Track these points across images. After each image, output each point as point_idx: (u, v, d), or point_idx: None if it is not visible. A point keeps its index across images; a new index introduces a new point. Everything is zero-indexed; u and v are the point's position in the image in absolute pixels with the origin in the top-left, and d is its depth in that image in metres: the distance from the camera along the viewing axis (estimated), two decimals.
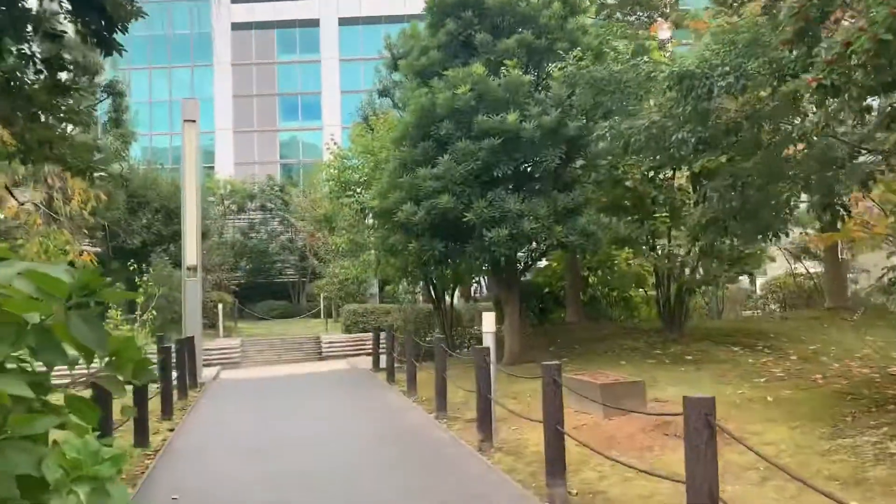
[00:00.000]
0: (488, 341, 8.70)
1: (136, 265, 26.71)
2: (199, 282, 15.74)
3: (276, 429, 9.54)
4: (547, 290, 17.53)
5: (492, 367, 8.32)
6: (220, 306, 27.68)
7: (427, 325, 17.49)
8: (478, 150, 12.06)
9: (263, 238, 38.80)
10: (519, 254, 12.90)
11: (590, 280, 17.41)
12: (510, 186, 12.67)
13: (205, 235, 31.37)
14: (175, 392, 11.91)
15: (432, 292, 17.07)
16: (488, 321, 8.94)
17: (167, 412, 10.48)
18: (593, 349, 14.09)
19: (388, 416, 10.40)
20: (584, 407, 9.13)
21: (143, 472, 7.40)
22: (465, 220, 12.08)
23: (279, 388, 13.84)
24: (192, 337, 13.86)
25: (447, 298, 17.37)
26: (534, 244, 12.26)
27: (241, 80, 53.22)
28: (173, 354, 12.31)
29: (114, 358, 1.41)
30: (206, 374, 15.79)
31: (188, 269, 15.51)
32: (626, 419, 8.25)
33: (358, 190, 16.58)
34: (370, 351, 26.44)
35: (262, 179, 40.04)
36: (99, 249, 27.75)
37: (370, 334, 26.67)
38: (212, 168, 46.90)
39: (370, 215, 16.44)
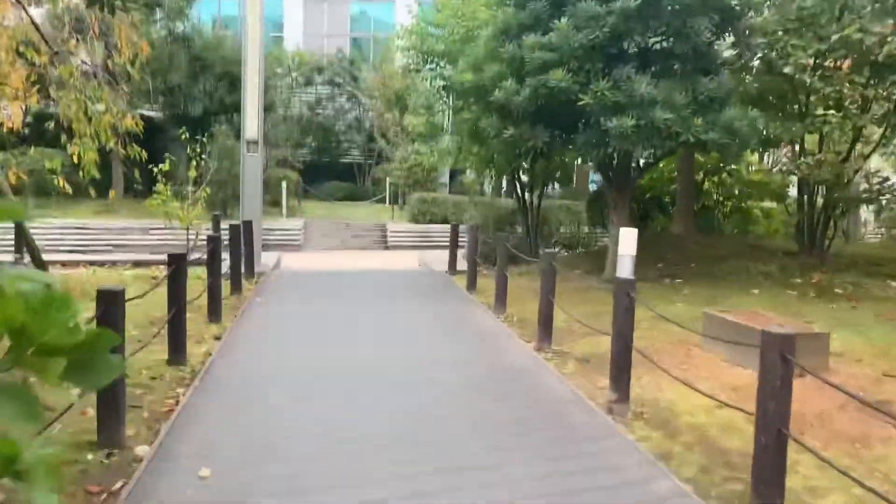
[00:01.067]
0: (627, 269, 6.48)
1: (195, 135, 25.12)
2: (261, 158, 13.76)
3: (339, 352, 7.54)
4: (649, 194, 15.06)
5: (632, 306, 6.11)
6: (284, 184, 25.93)
7: (508, 223, 15.27)
8: (606, 14, 9.45)
9: (330, 115, 36.56)
10: (638, 150, 10.41)
11: (703, 186, 14.82)
12: (639, 65, 10.08)
13: (270, 108, 29.30)
14: (228, 285, 10.17)
15: (517, 188, 14.78)
16: (628, 240, 6.69)
17: (215, 313, 8.69)
18: (713, 271, 11.76)
19: (477, 347, 8.17)
20: (738, 357, 6.95)
21: (168, 413, 5.55)
22: (580, 103, 9.61)
23: (344, 287, 11.93)
24: (251, 222, 11.99)
25: (532, 196, 15.07)
26: (663, 139, 9.73)
27: None
28: (226, 240, 10.49)
29: None
30: (265, 260, 14.05)
31: (248, 143, 13.50)
32: (805, 384, 6.05)
33: (441, 63, 14.06)
34: (438, 244, 24.61)
35: (331, 52, 37.37)
36: (159, 114, 26.06)
37: (438, 226, 24.77)
38: (280, 38, 44.38)
39: (454, 93, 13.98)
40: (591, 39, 9.55)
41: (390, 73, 29.50)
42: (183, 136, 11.76)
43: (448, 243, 24.55)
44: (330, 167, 36.80)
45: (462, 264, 13.81)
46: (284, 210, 25.75)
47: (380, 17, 51.13)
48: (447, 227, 24.78)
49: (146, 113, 25.40)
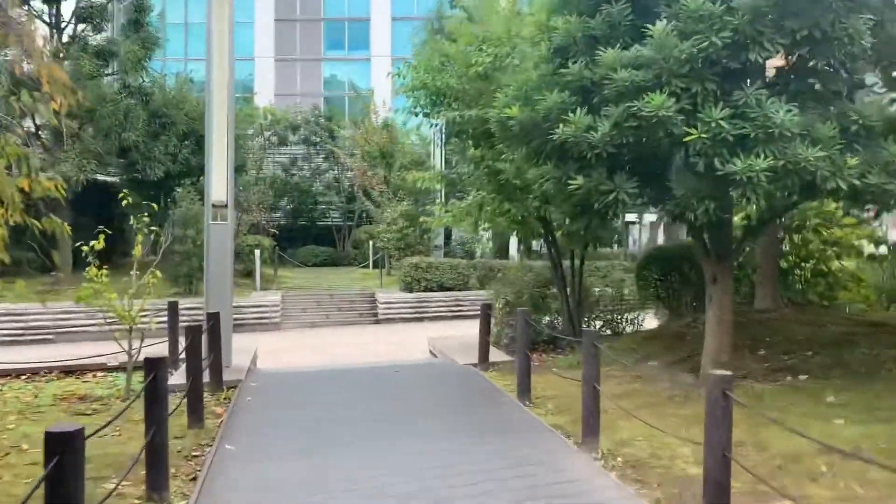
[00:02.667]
0: None
1: (157, 201, 21.84)
2: (231, 226, 10.53)
3: None
4: None
5: None
6: (257, 252, 22.63)
7: (545, 298, 12.10)
8: (724, 13, 6.55)
9: (306, 176, 33.58)
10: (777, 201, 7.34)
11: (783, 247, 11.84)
12: (766, 84, 7.15)
13: (240, 169, 26.21)
14: (185, 410, 6.83)
15: (552, 252, 11.70)
16: None
17: (157, 483, 5.24)
18: (841, 360, 8.69)
19: None
20: None
21: None
22: (688, 139, 6.62)
23: (348, 408, 8.39)
24: (217, 315, 8.66)
25: (573, 262, 11.94)
26: (803, 186, 6.72)
27: (283, 2, 47.30)
28: (182, 348, 7.18)
29: None
30: (237, 354, 10.62)
31: (214, 207, 10.30)
32: None
33: (453, 105, 11.04)
34: (437, 315, 21.36)
35: (306, 109, 34.58)
36: (114, 179, 22.75)
37: (435, 295, 21.58)
38: (251, 98, 41.65)
39: (473, 139, 11.00)
40: (701, 50, 6.63)
41: (372, 129, 26.65)
42: (125, 202, 8.46)
43: (448, 315, 21.61)
44: (307, 231, 33.69)
45: (494, 354, 10.58)
46: (258, 281, 22.39)
47: (354, 77, 48.83)
48: (446, 296, 21.88)
49: (101, 177, 22.15)
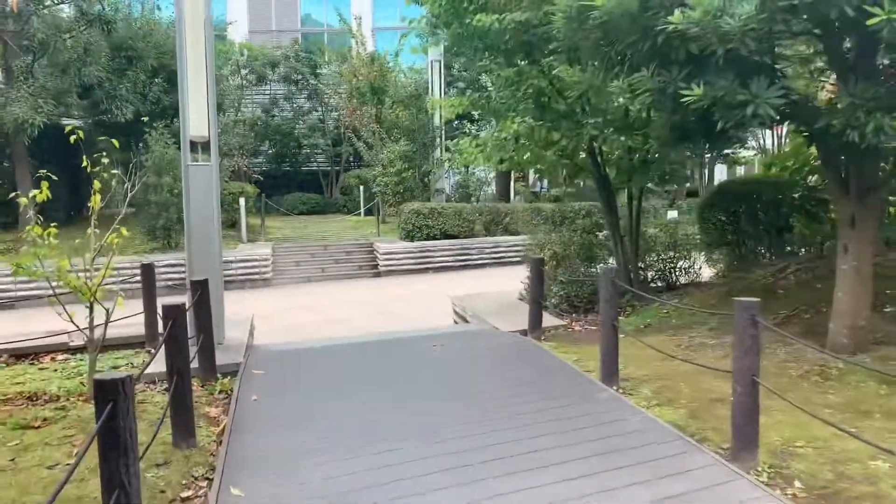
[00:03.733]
0: None
1: (128, 146, 19.44)
2: (215, 168, 8.33)
3: None
4: (781, 195, 10.02)
5: None
6: (241, 200, 20.37)
7: (599, 249, 10.05)
8: None
9: (288, 117, 30.98)
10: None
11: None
12: None
13: (218, 108, 23.71)
14: (169, 412, 4.80)
15: (605, 192, 9.64)
16: None
17: None
18: None
19: None
20: None
21: None
22: (872, 21, 4.56)
23: (381, 395, 6.31)
24: (205, 284, 6.55)
25: (631, 205, 9.87)
26: None
27: None
28: (162, 330, 5.06)
29: None
30: (229, 331, 8.54)
31: (194, 144, 8.11)
32: None
33: (476, 14, 8.77)
34: (442, 266, 19.33)
35: (285, 44, 31.76)
36: (77, 122, 20.14)
37: (439, 244, 19.54)
38: (223, 36, 38.52)
39: (501, 58, 8.82)
40: None
41: (361, 62, 24.10)
42: (74, 138, 6.24)
43: (455, 265, 19.37)
44: (291, 177, 31.28)
45: (546, 319, 8.58)
46: (244, 232, 20.19)
47: (334, 10, 45.62)
48: (451, 244, 19.72)
49: (64, 121, 19.60)
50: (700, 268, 11.05)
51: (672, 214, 23.23)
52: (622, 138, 8.40)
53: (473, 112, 11.51)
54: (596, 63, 6.69)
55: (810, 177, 10.62)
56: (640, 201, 9.61)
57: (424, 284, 16.87)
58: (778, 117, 5.42)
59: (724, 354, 6.93)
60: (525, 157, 9.11)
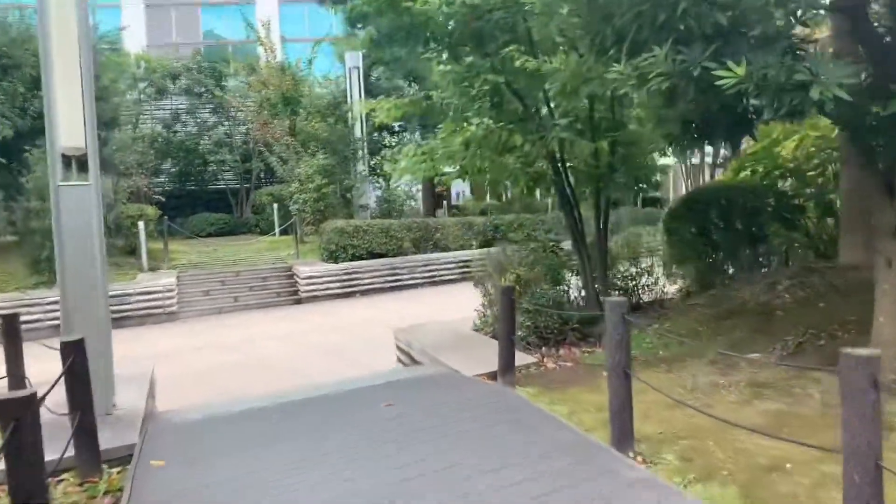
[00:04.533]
0: None
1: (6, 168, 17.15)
2: (96, 186, 6.53)
3: None
4: (759, 202, 8.93)
5: None
6: (141, 224, 18.17)
7: (558, 266, 8.69)
8: None
9: (192, 132, 28.67)
10: None
11: None
12: None
13: (112, 123, 21.38)
14: None
15: (570, 202, 8.33)
16: None
17: None
18: None
19: None
20: None
21: None
22: None
23: (334, 489, 4.75)
24: (80, 344, 4.78)
25: (600, 215, 8.57)
26: None
27: None
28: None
29: None
30: (122, 392, 6.69)
31: (66, 158, 6.30)
32: None
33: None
34: (370, 288, 17.68)
35: (186, 55, 29.45)
36: None
37: (366, 264, 17.89)
38: (119, 49, 35.66)
39: (446, 52, 7.43)
40: None
41: (271, 71, 22.22)
42: None
43: (385, 287, 17.64)
44: (197, 196, 28.90)
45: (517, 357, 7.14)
46: (145, 260, 17.98)
47: (237, 22, 43.38)
48: (380, 264, 17.96)
49: None
50: (664, 285, 9.91)
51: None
52: (589, 141, 7.09)
53: (409, 116, 10.03)
54: (581, 47, 5.33)
55: (780, 181, 9.67)
56: (606, 213, 8.34)
57: (354, 311, 15.23)
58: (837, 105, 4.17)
59: (745, 400, 5.68)
60: (479, 166, 7.70)
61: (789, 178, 9.35)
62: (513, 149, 7.38)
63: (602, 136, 7.44)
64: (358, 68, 20.78)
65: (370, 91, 21.60)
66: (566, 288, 8.27)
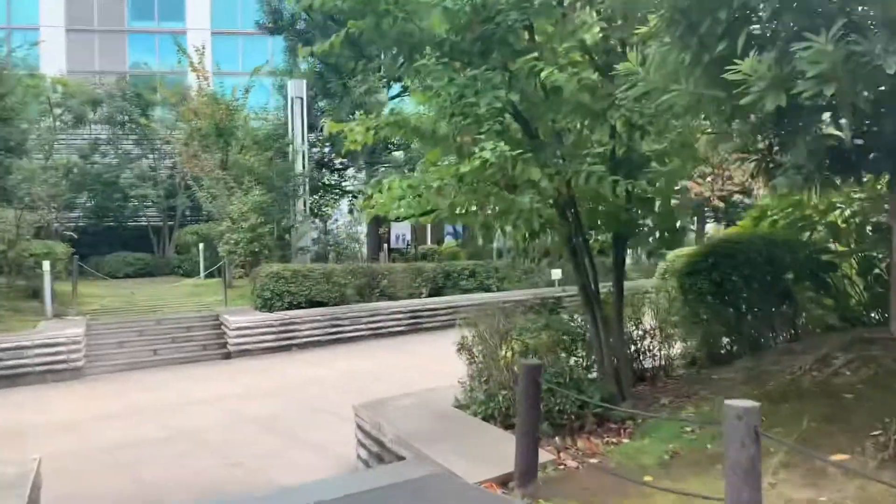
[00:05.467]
0: None
1: None
2: None
3: None
4: (791, 257, 7.60)
5: None
6: (46, 264, 15.75)
7: (568, 333, 7.05)
8: None
9: (113, 163, 26.24)
10: None
11: None
12: None
13: (17, 150, 18.90)
14: None
15: (584, 258, 6.77)
16: None
17: None
18: None
19: None
20: None
21: None
22: None
23: None
24: None
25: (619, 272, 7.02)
26: None
27: None
28: None
29: None
30: None
31: None
32: None
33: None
34: (309, 341, 15.61)
35: (109, 81, 27.12)
36: None
37: (304, 313, 15.93)
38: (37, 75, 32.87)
39: (456, 63, 5.88)
40: None
41: (204, 101, 20.25)
42: None
43: (325, 339, 15.46)
44: (115, 233, 26.44)
45: (502, 439, 5.43)
46: (49, 305, 15.54)
47: (167, 52, 41.16)
48: (321, 314, 15.61)
49: None
50: (672, 352, 8.42)
51: (556, 274, 21.09)
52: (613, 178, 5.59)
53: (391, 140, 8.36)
54: (664, 47, 3.81)
55: (805, 232, 8.42)
56: (623, 266, 6.83)
57: (292, 369, 13.25)
58: None
59: None
60: (478, 203, 6.09)
61: (815, 231, 8.11)
62: (517, 185, 5.82)
63: (631, 173, 5.96)
64: (302, 98, 19.04)
65: (312, 126, 19.88)
66: (580, 360, 6.65)
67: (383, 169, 20.48)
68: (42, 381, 12.57)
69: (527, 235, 6.67)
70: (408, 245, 28.57)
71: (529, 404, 4.83)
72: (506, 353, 6.13)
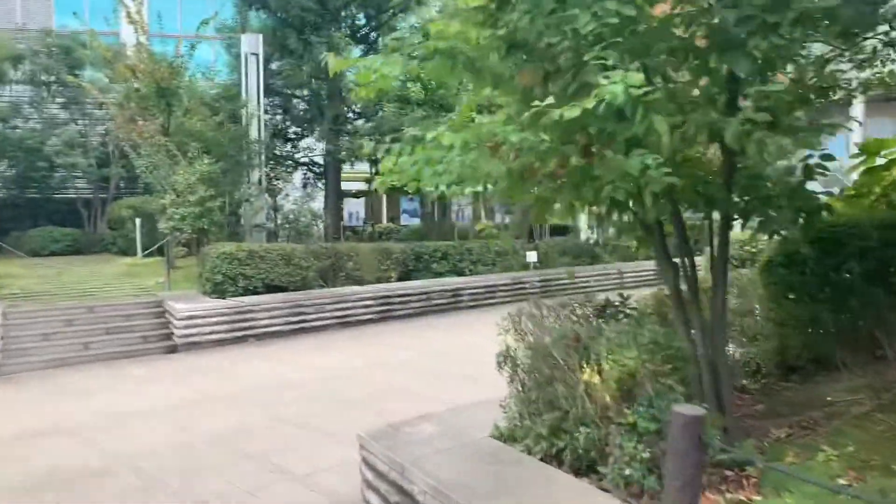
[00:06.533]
0: None
1: None
2: None
3: None
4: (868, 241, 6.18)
5: None
6: None
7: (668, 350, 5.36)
8: None
9: (37, 128, 23.36)
10: None
11: None
12: None
13: None
14: None
15: (682, 244, 5.08)
16: None
17: None
18: None
19: None
20: None
21: None
22: None
23: None
24: None
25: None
26: None
27: None
28: None
29: None
30: None
31: None
32: None
33: None
34: (268, 332, 13.58)
35: (33, 35, 24.10)
36: None
37: (263, 299, 13.84)
38: None
39: None
40: None
41: (141, 58, 17.70)
42: None
43: (286, 329, 12.82)
44: (39, 206, 23.65)
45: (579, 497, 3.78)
46: None
47: (98, 8, 37.55)
48: (282, 300, 13.29)
49: None
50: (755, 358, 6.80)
51: (532, 257, 19.53)
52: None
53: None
54: None
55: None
56: (727, 251, 5.17)
57: (251, 366, 11.28)
58: None
59: None
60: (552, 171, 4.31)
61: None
62: (601, 145, 4.07)
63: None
64: (257, 55, 16.79)
65: (270, 87, 17.65)
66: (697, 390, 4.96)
67: (347, 138, 18.43)
68: None
69: (603, 213, 4.91)
70: (365, 223, 26.57)
71: (688, 476, 3.11)
72: (591, 378, 4.39)
